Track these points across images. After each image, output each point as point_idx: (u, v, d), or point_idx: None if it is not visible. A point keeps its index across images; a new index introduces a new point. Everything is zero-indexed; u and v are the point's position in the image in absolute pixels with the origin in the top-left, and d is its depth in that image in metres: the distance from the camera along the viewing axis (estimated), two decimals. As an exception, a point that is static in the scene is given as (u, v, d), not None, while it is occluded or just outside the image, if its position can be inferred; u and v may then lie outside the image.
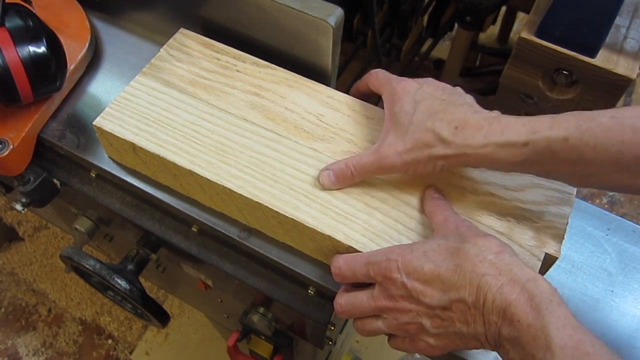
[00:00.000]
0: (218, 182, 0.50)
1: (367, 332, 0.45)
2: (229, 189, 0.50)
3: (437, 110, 0.45)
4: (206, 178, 0.50)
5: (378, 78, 0.52)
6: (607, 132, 0.39)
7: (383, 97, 0.51)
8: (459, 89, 0.49)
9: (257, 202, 0.49)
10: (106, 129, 0.53)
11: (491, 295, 0.37)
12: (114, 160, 0.58)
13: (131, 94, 0.55)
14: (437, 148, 0.44)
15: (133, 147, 0.53)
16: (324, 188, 0.49)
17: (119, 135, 0.52)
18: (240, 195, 0.49)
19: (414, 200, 0.49)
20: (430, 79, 0.50)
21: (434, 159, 0.45)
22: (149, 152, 0.52)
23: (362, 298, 0.44)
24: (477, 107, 0.46)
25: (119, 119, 0.53)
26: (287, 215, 0.48)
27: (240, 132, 0.53)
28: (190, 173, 0.51)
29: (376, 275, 0.42)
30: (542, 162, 0.42)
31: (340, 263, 0.46)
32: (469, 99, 0.48)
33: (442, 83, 0.49)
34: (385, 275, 0.42)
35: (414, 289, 0.40)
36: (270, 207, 0.48)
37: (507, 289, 0.37)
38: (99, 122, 0.53)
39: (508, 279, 0.37)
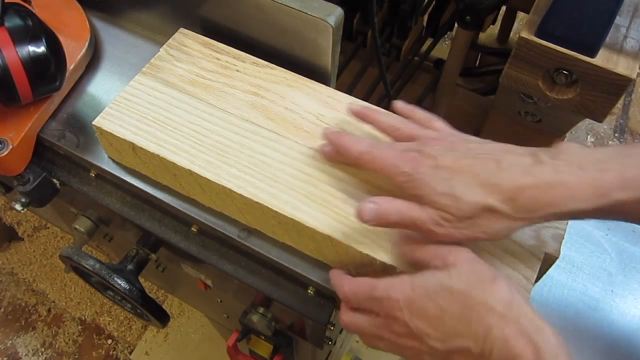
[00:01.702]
0: (218, 182, 0.50)
1: (372, 347, 0.45)
2: (229, 189, 0.50)
3: (479, 181, 0.40)
4: (206, 178, 0.50)
5: (376, 163, 0.45)
6: None
7: (397, 183, 0.45)
8: (473, 137, 0.45)
9: (256, 202, 0.49)
10: (106, 129, 0.53)
11: (497, 349, 0.36)
12: (113, 160, 0.58)
13: (131, 94, 0.55)
14: (505, 220, 0.40)
15: (133, 147, 0.53)
16: (361, 220, 0.43)
17: (118, 135, 0.52)
18: (240, 195, 0.49)
19: (413, 200, 0.49)
20: (435, 141, 0.45)
21: (506, 229, 0.41)
22: (148, 152, 0.52)
23: (365, 324, 0.43)
24: (516, 152, 0.42)
25: (118, 118, 0.53)
26: (286, 215, 0.48)
27: (240, 132, 0.53)
28: (190, 173, 0.51)
29: (379, 311, 0.42)
30: (614, 215, 0.39)
31: (345, 290, 0.44)
32: (492, 142, 0.44)
33: (451, 138, 0.45)
34: (388, 313, 0.41)
35: (418, 330, 0.39)
36: (270, 207, 0.48)
37: (513, 341, 0.36)
38: (98, 122, 0.53)
39: (515, 330, 0.36)
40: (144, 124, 0.53)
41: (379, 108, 0.51)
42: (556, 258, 0.46)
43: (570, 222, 0.48)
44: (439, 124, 0.48)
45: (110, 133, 0.53)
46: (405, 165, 0.42)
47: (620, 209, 0.38)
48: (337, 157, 0.49)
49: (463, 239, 0.41)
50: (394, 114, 0.50)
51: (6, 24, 0.52)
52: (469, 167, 0.41)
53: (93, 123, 0.53)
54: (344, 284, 0.44)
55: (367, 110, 0.51)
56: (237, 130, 0.53)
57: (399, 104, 0.51)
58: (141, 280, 0.66)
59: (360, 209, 0.42)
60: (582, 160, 0.39)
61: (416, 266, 0.43)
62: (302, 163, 0.51)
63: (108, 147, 0.56)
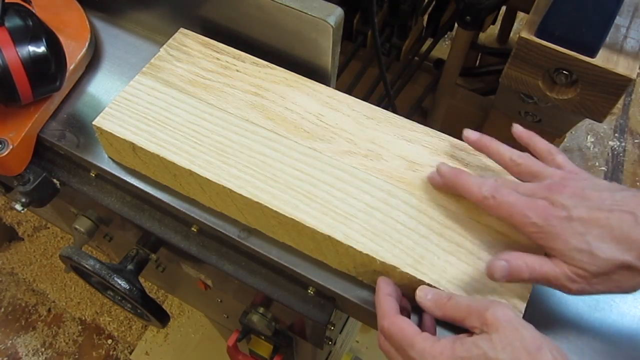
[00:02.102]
0: (218, 182, 0.50)
1: None
2: (229, 189, 0.50)
3: (615, 237, 0.39)
4: (206, 178, 0.50)
5: (501, 210, 0.43)
6: None
7: (523, 232, 0.43)
8: (598, 179, 0.43)
9: (256, 202, 0.49)
10: (106, 129, 0.53)
11: None
12: (113, 160, 0.58)
13: (131, 94, 0.55)
14: None
15: (133, 147, 0.53)
16: (492, 277, 0.42)
17: (118, 135, 0.52)
18: (240, 195, 0.49)
19: (413, 200, 0.49)
20: (562, 185, 0.42)
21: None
22: (148, 152, 0.52)
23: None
24: None
25: (118, 118, 0.53)
26: (286, 215, 0.48)
27: (240, 132, 0.53)
28: (190, 173, 0.51)
29: None
30: None
31: (383, 324, 0.42)
32: (622, 190, 0.42)
33: (579, 183, 0.42)
34: None
35: None
36: (270, 207, 0.48)
37: None
38: (98, 122, 0.53)
39: None
40: (144, 124, 0.53)
41: (494, 139, 0.49)
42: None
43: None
44: (561, 159, 0.46)
45: (110, 133, 0.53)
46: (535, 215, 0.41)
47: None
48: (449, 189, 0.48)
49: (596, 294, 0.40)
50: (508, 147, 0.48)
51: (6, 24, 0.52)
52: (604, 220, 0.39)
53: (93, 123, 0.53)
54: (385, 316, 0.43)
55: (485, 140, 0.48)
56: (237, 130, 0.53)
57: (518, 129, 0.48)
58: (141, 280, 0.66)
59: (491, 266, 0.42)
60: None
61: (447, 321, 0.42)
62: (302, 163, 0.51)
63: (108, 147, 0.56)
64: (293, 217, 0.48)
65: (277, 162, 0.51)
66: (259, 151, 0.51)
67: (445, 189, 0.48)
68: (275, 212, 0.48)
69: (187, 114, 0.54)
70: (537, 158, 0.46)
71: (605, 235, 0.39)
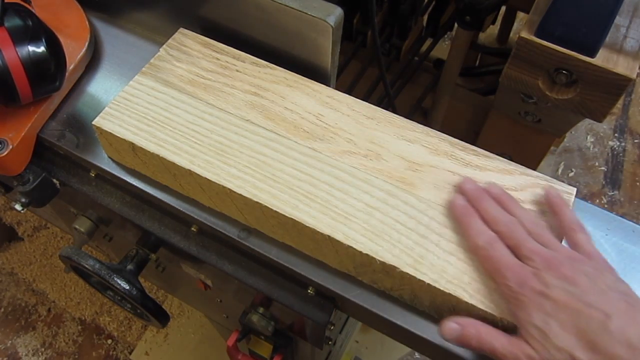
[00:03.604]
0: (217, 182, 0.50)
1: None
2: (229, 189, 0.50)
3: (577, 330, 0.38)
4: (206, 178, 0.50)
5: (487, 263, 0.44)
6: None
7: (500, 290, 0.43)
8: (609, 273, 0.41)
9: (256, 202, 0.49)
10: (105, 129, 0.53)
11: None
12: (113, 160, 0.58)
13: (130, 94, 0.55)
14: None
15: (132, 147, 0.53)
16: (441, 336, 0.44)
17: (118, 135, 0.52)
18: (240, 195, 0.49)
19: (413, 200, 0.49)
20: (560, 263, 0.41)
21: None
22: (148, 152, 0.52)
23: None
24: (634, 317, 0.38)
25: (118, 118, 0.53)
26: (286, 215, 0.48)
27: (239, 132, 0.53)
28: (190, 173, 0.51)
29: None
30: None
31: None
32: (621, 293, 0.40)
33: (581, 267, 0.41)
34: None
35: None
36: (270, 206, 0.48)
37: None
38: (98, 122, 0.53)
39: None
40: (144, 124, 0.53)
41: (567, 204, 0.47)
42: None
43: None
44: (581, 238, 0.44)
45: (110, 133, 0.53)
46: (513, 279, 0.41)
47: None
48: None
49: None
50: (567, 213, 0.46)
51: (6, 24, 0.52)
52: (576, 311, 0.38)
53: (93, 123, 0.53)
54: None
55: (557, 203, 0.47)
56: (237, 130, 0.53)
57: (553, 194, 0.47)
58: (141, 280, 0.66)
59: (443, 326, 0.43)
60: None
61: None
62: (302, 163, 0.51)
63: (108, 147, 0.56)
64: (293, 217, 0.48)
65: (276, 162, 0.51)
66: (258, 151, 0.51)
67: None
68: (275, 212, 0.48)
69: (187, 114, 0.54)
70: (559, 226, 0.46)
71: (569, 326, 0.38)
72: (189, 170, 0.50)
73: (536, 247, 0.43)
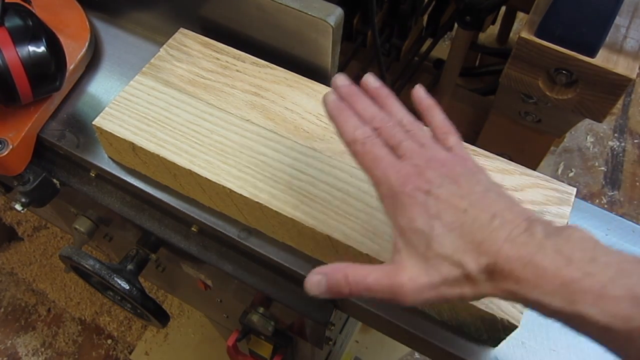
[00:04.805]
0: (218, 182, 0.50)
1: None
2: (229, 189, 0.50)
3: (462, 232, 0.35)
4: (206, 178, 0.50)
5: (365, 159, 0.39)
6: None
7: (378, 192, 0.39)
8: (483, 175, 0.38)
9: (257, 202, 0.49)
10: (106, 129, 0.53)
11: None
12: (113, 160, 0.58)
13: (131, 94, 0.55)
14: (476, 286, 0.34)
15: (133, 147, 0.53)
16: (309, 292, 0.39)
17: (118, 135, 0.52)
18: (240, 195, 0.49)
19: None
20: (441, 163, 0.37)
21: (472, 296, 0.35)
22: (148, 152, 0.52)
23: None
24: (516, 213, 0.35)
25: (118, 118, 0.53)
26: (286, 215, 0.48)
27: (240, 132, 0.53)
28: (190, 173, 0.51)
29: None
30: (581, 332, 0.33)
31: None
32: (498, 193, 0.37)
33: (459, 169, 0.38)
34: None
35: None
36: (270, 207, 0.48)
37: None
38: (98, 122, 0.53)
39: None
40: (144, 124, 0.53)
41: (434, 107, 0.43)
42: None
43: (570, 222, 0.48)
44: (453, 141, 0.40)
45: (110, 133, 0.53)
46: (395, 177, 0.37)
47: (586, 327, 0.31)
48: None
49: (434, 297, 0.35)
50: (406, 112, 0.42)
51: (6, 24, 0.52)
52: (462, 211, 0.35)
53: (93, 123, 0.53)
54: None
55: (427, 106, 0.43)
56: (237, 130, 0.53)
57: (420, 92, 0.43)
58: (141, 280, 0.66)
59: (306, 281, 0.38)
60: (575, 252, 0.32)
61: None
62: (302, 163, 0.51)
63: (108, 147, 0.56)
64: (293, 217, 0.48)
65: (277, 162, 0.51)
66: (259, 151, 0.51)
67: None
68: (275, 212, 0.48)
69: (187, 114, 0.54)
70: (430, 129, 0.42)
71: (455, 228, 0.35)
72: (189, 170, 0.50)
73: (415, 146, 0.38)
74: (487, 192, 0.36)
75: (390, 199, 0.37)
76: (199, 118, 0.53)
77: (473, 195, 0.36)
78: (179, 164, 0.51)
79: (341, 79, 0.43)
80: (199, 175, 0.50)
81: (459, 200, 0.35)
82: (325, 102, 0.42)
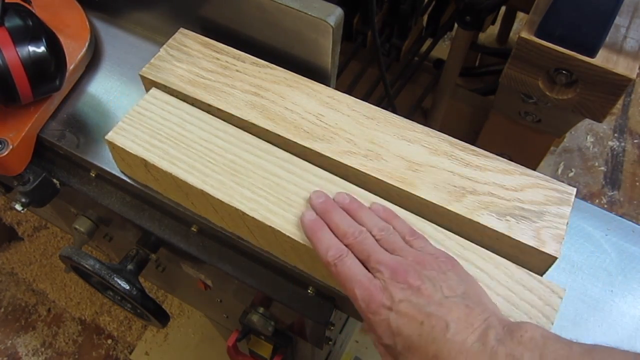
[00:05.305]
0: (230, 203, 0.49)
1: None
2: (242, 211, 0.49)
3: (419, 346, 0.37)
4: (218, 199, 0.49)
5: (338, 279, 0.43)
6: None
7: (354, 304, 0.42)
8: (452, 272, 0.41)
9: (269, 226, 0.48)
10: (118, 144, 0.52)
11: None
12: (125, 174, 0.57)
13: (144, 108, 0.54)
14: None
15: (145, 163, 0.52)
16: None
17: (130, 151, 0.51)
18: (253, 218, 0.48)
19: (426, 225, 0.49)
20: (406, 272, 0.40)
21: None
22: (161, 169, 0.51)
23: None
24: (472, 319, 0.38)
25: (131, 133, 0.52)
26: (300, 241, 0.47)
27: (253, 151, 0.52)
28: (202, 193, 0.50)
29: None
30: None
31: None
32: (461, 296, 0.39)
33: (426, 271, 0.41)
34: None
35: None
36: (284, 232, 0.47)
37: None
38: (111, 136, 0.52)
39: None
40: (157, 140, 0.52)
41: (363, 206, 0.47)
42: (556, 258, 0.46)
43: (570, 222, 0.48)
44: (421, 244, 0.44)
45: (122, 148, 0.52)
46: (361, 297, 0.40)
47: None
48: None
49: None
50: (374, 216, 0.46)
51: (6, 24, 0.52)
52: (419, 324, 0.38)
53: (105, 137, 0.52)
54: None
55: (386, 216, 0.47)
56: (250, 149, 0.52)
57: (380, 209, 0.48)
58: (141, 280, 0.66)
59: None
60: (525, 354, 0.34)
61: None
62: (316, 186, 0.50)
63: (120, 161, 0.55)
64: (305, 244, 0.47)
65: (291, 184, 0.50)
66: (273, 172, 0.50)
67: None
68: (289, 237, 0.47)
69: (201, 131, 0.53)
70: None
71: (413, 341, 0.38)
72: (202, 190, 0.49)
73: (384, 257, 0.42)
74: (446, 299, 0.39)
75: (363, 315, 0.41)
76: (212, 135, 0.52)
77: (431, 304, 0.38)
78: (191, 184, 0.50)
79: (316, 195, 0.48)
80: (211, 195, 0.49)
81: (417, 313, 0.38)
82: (302, 223, 0.47)
